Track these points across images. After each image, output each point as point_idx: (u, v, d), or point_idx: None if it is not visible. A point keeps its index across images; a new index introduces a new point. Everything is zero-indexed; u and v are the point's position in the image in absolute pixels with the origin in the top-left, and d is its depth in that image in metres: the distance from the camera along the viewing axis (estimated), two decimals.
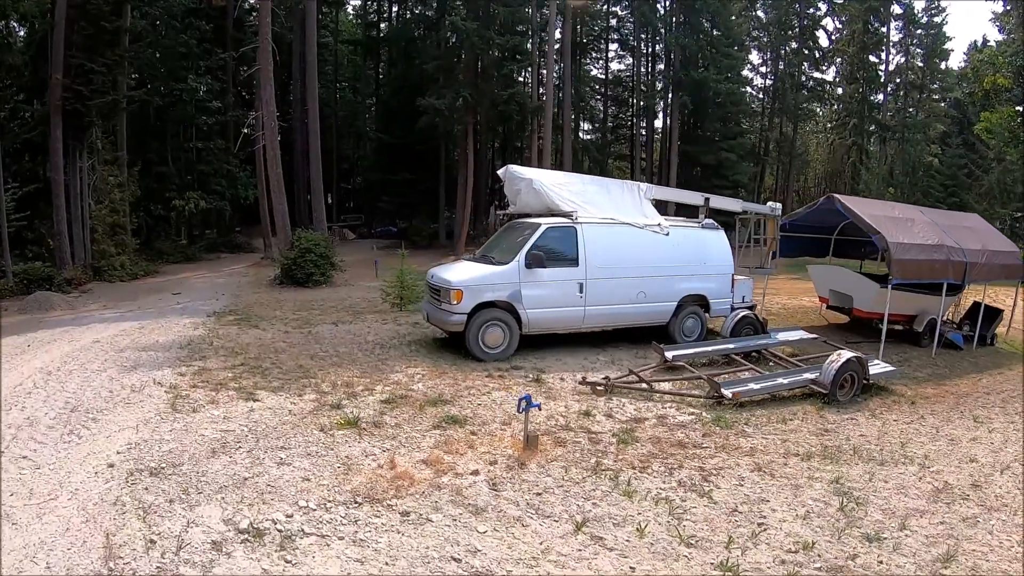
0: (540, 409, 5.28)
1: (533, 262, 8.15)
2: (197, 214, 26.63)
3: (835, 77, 39.90)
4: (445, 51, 29.58)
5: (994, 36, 38.32)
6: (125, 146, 21.37)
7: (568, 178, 9.72)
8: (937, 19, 35.53)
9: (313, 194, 21.81)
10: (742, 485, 4.69)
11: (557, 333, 8.81)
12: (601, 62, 43.58)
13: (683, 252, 9.33)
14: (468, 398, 6.42)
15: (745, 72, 39.54)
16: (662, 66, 37.65)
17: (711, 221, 9.89)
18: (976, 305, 11.41)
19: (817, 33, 39.54)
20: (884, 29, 34.82)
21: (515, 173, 9.37)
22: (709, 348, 8.43)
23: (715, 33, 33.63)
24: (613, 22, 40.91)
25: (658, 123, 41.14)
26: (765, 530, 4.01)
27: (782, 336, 9.33)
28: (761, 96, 42.32)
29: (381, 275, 18.19)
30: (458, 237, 26.81)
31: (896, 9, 34.74)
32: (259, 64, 19.26)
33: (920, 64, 34.47)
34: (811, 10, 39.17)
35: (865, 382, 7.40)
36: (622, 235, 8.91)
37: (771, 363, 8.36)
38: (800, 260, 13.11)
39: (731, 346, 8.53)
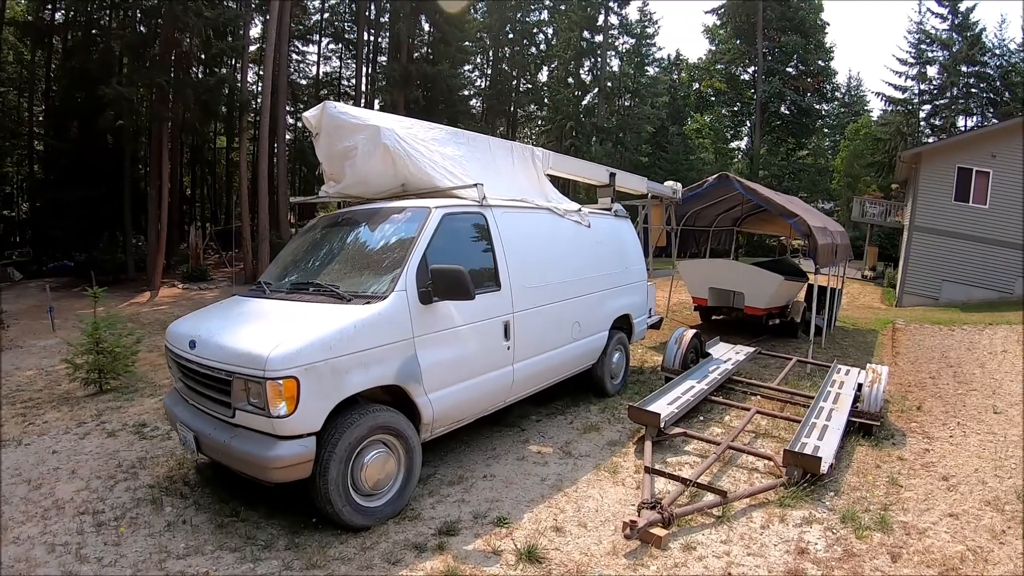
0: None
1: (438, 288, 3.96)
2: None
3: (548, 80, 42.13)
4: (136, 32, 22.09)
5: (691, 51, 45.87)
6: None
7: (431, 130, 5.25)
8: (650, 30, 40.29)
9: None
10: None
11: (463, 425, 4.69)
12: (303, 66, 38.82)
13: (607, 253, 6.40)
14: None
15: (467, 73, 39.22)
16: (385, 60, 34.68)
17: (620, 207, 7.20)
18: (813, 289, 11.27)
19: (538, 37, 41.34)
20: (599, 38, 37.77)
21: (344, 117, 4.85)
22: (687, 395, 5.83)
23: (447, 27, 31.99)
24: (327, 15, 36.51)
25: None
26: None
27: (716, 353, 7.46)
28: (479, 98, 42.48)
29: (61, 327, 12.71)
30: (152, 268, 19.74)
31: (613, 20, 37.91)
32: None
33: (631, 71, 38.40)
34: (529, 17, 40.78)
35: None
36: (543, 228, 5.47)
37: (756, 396, 6.31)
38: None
39: (702, 386, 6.16)
